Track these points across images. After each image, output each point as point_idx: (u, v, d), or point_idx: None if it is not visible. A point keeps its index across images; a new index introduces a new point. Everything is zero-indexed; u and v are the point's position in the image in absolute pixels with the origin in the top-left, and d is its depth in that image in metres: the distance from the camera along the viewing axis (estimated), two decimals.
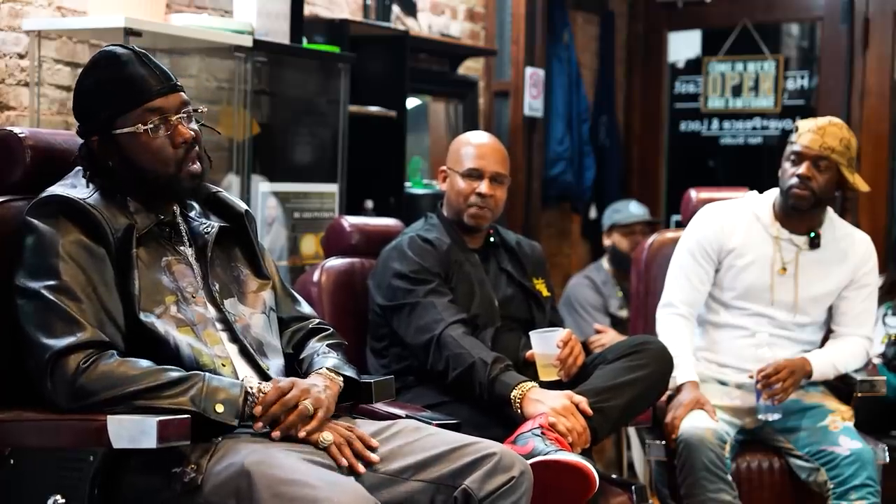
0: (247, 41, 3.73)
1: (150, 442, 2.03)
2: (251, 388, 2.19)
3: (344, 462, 2.19)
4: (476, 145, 3.35)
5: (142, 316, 2.20)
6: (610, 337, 4.90)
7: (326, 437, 2.20)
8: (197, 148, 2.31)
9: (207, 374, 2.17)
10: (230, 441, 2.16)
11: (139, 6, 3.43)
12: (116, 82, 2.27)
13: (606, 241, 5.36)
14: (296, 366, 2.47)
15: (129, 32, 3.36)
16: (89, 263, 2.18)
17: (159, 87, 2.28)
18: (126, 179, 2.30)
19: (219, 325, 2.32)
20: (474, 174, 3.30)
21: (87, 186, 2.27)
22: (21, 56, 3.51)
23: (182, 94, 2.32)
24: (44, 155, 2.37)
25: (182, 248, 2.35)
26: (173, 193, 2.33)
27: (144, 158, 2.27)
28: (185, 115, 2.30)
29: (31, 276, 2.17)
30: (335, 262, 3.42)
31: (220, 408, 2.13)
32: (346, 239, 3.48)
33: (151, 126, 2.26)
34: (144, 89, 2.27)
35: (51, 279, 2.15)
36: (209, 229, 2.39)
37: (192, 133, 2.30)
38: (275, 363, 2.40)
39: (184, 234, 2.37)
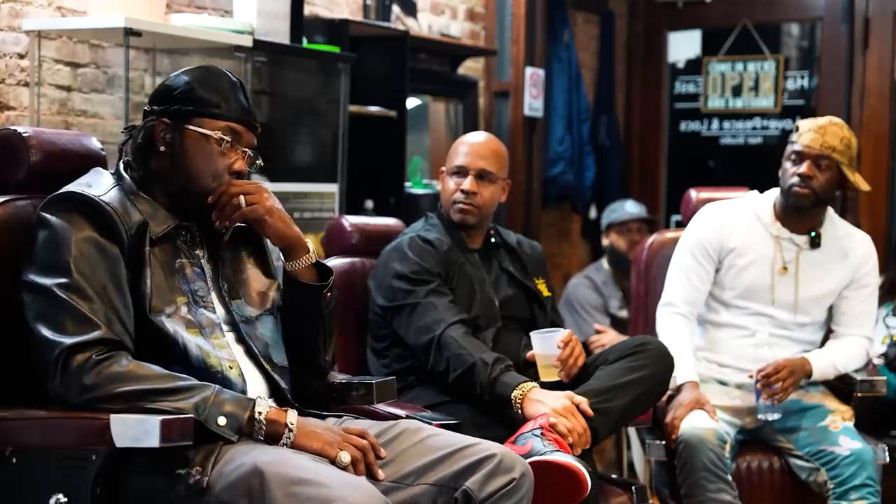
0: (247, 41, 3.74)
1: (153, 441, 2.03)
2: (260, 412, 2.17)
3: (363, 472, 2.19)
4: (467, 144, 3.36)
5: (151, 315, 2.21)
6: (610, 337, 4.91)
7: (344, 457, 2.18)
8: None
9: (219, 386, 2.17)
10: (237, 443, 2.15)
11: (139, 6, 3.43)
12: (220, 91, 2.35)
13: (604, 242, 5.37)
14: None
15: (129, 32, 3.37)
16: (101, 262, 2.18)
17: (248, 118, 2.37)
18: (163, 172, 2.32)
19: (226, 328, 2.33)
20: (460, 171, 3.31)
21: (109, 182, 2.29)
22: (21, 56, 3.51)
23: (255, 139, 2.40)
24: (47, 154, 2.37)
25: (197, 251, 2.37)
26: (198, 208, 2.35)
27: (198, 162, 2.31)
28: (249, 153, 2.38)
29: (42, 272, 2.17)
30: (335, 262, 3.42)
31: (222, 420, 2.13)
32: (346, 239, 3.48)
33: (225, 141, 2.32)
34: (238, 112, 2.35)
35: (62, 276, 2.15)
36: (222, 231, 2.41)
37: (246, 170, 2.37)
38: (280, 364, 2.40)
39: (198, 238, 2.39)
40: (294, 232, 2.43)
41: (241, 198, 2.36)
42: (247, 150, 2.37)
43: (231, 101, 2.35)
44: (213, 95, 2.33)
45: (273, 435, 2.18)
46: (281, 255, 2.48)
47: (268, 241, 2.52)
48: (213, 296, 2.34)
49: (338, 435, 2.21)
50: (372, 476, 2.20)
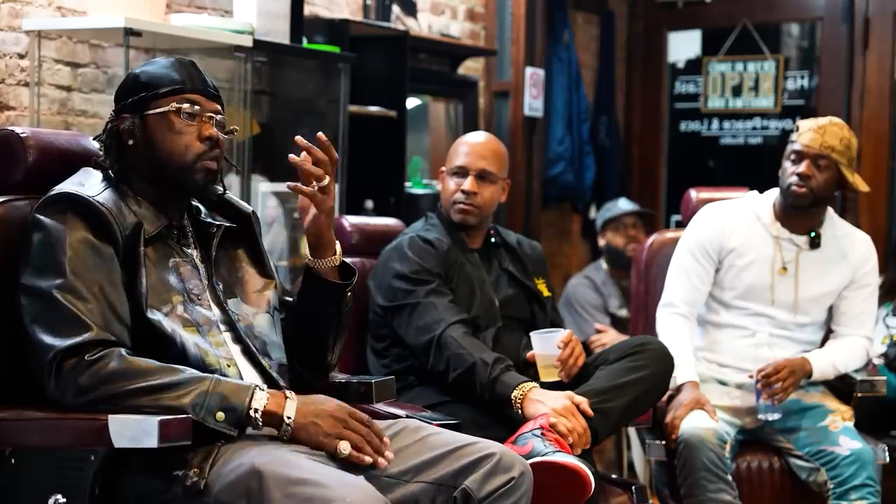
0: (247, 41, 3.74)
1: (152, 441, 2.02)
2: (256, 409, 2.15)
3: (367, 460, 2.17)
4: (467, 144, 3.36)
5: (148, 314, 2.20)
6: (611, 336, 4.91)
7: (344, 448, 2.18)
8: (218, 150, 2.35)
9: (217, 377, 2.16)
10: (234, 444, 2.15)
11: (139, 6, 3.43)
12: (169, 70, 2.34)
13: (601, 242, 5.37)
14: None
15: (129, 32, 3.37)
16: (97, 262, 2.18)
17: (202, 87, 2.35)
18: (140, 165, 2.31)
19: (223, 327, 2.33)
20: (460, 172, 3.31)
21: (101, 181, 2.29)
22: (21, 56, 3.51)
23: (220, 105, 2.39)
24: (45, 155, 2.37)
25: (188, 250, 2.36)
26: (183, 186, 2.34)
27: (167, 142, 2.30)
28: (217, 119, 2.35)
29: (37, 275, 2.17)
30: None
31: (220, 415, 2.12)
32: (346, 239, 3.48)
33: (183, 110, 2.30)
34: (189, 82, 2.34)
35: (58, 278, 2.15)
36: (214, 230, 2.40)
37: (218, 134, 2.33)
38: (278, 362, 2.40)
39: (190, 236, 2.38)
40: (331, 234, 2.46)
41: (327, 180, 2.38)
42: (212, 114, 2.34)
43: (181, 76, 2.33)
44: (161, 76, 2.32)
45: (271, 426, 2.17)
46: (305, 251, 2.49)
47: (264, 241, 2.52)
48: (208, 294, 2.34)
49: (338, 421, 2.19)
50: (374, 465, 2.19)
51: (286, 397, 2.20)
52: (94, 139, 2.41)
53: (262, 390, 2.19)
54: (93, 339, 2.12)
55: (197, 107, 2.32)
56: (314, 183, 2.39)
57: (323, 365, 2.54)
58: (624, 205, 5.36)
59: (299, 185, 2.39)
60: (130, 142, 2.31)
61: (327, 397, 2.26)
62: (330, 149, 2.41)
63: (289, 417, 2.17)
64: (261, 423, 2.16)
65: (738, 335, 3.64)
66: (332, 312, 2.48)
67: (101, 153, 2.35)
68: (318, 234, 2.44)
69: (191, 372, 2.15)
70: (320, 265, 2.46)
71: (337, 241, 2.49)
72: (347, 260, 3.38)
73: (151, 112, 2.31)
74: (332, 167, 2.42)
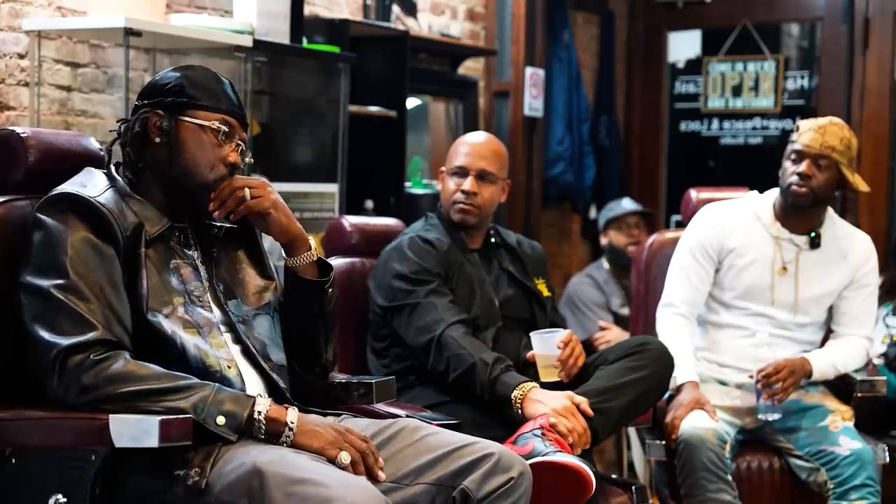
0: (247, 41, 3.74)
1: (152, 441, 2.03)
2: (259, 411, 2.16)
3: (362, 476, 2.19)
4: (467, 144, 3.36)
5: (149, 315, 2.21)
6: (615, 333, 4.91)
7: (344, 458, 2.18)
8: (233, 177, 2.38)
9: (219, 385, 2.17)
10: (235, 443, 2.15)
11: (139, 6, 3.44)
12: (212, 86, 2.36)
13: (603, 241, 5.37)
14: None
15: (129, 32, 3.37)
16: (97, 262, 2.19)
17: (240, 113, 2.39)
18: (157, 165, 2.32)
19: (223, 328, 2.33)
20: (460, 172, 3.31)
21: (103, 182, 2.29)
22: (21, 56, 3.51)
23: (245, 133, 2.42)
24: (46, 155, 2.38)
25: (189, 251, 2.37)
26: (197, 201, 2.35)
27: (195, 152, 2.32)
28: (242, 146, 2.38)
29: (38, 274, 2.17)
30: (335, 262, 3.41)
31: (221, 420, 2.12)
32: (346, 239, 3.48)
33: (223, 130, 2.32)
34: (232, 104, 2.37)
35: (59, 277, 2.15)
36: (214, 231, 2.41)
37: (240, 162, 2.37)
38: (278, 363, 2.40)
39: (190, 237, 2.39)
40: (296, 227, 2.45)
41: (247, 190, 2.36)
42: (240, 143, 2.38)
43: (223, 96, 2.36)
44: (206, 90, 2.34)
45: (273, 433, 2.18)
46: (283, 252, 2.49)
47: (264, 242, 2.53)
48: (209, 295, 2.35)
49: (339, 434, 2.21)
50: (372, 477, 2.19)
51: (287, 408, 2.21)
52: (117, 122, 2.40)
53: (264, 397, 2.21)
54: (98, 339, 2.13)
55: (232, 131, 2.35)
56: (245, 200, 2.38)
57: (318, 365, 2.55)
58: (627, 204, 5.36)
59: (238, 213, 2.38)
60: (157, 139, 2.32)
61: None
62: (222, 189, 2.36)
63: (292, 422, 2.18)
64: (263, 428, 2.16)
65: (738, 335, 3.64)
66: (317, 311, 2.49)
67: (115, 147, 2.35)
68: (282, 231, 2.43)
69: (194, 379, 2.16)
70: (297, 262, 2.46)
71: (311, 237, 2.48)
72: (346, 260, 3.42)
73: (188, 119, 2.32)
74: (239, 182, 2.38)
